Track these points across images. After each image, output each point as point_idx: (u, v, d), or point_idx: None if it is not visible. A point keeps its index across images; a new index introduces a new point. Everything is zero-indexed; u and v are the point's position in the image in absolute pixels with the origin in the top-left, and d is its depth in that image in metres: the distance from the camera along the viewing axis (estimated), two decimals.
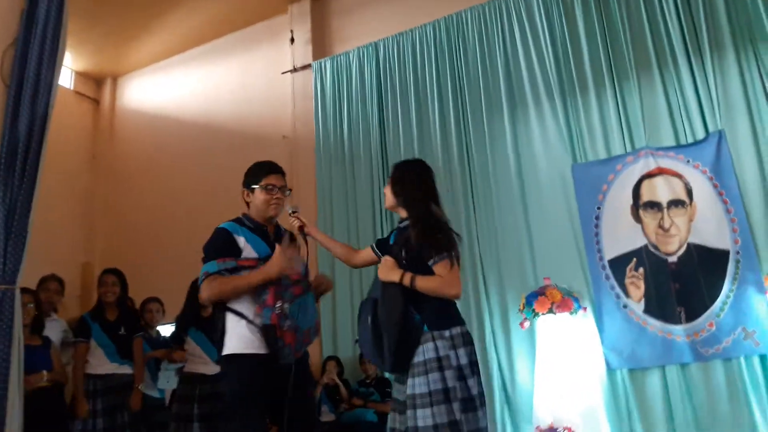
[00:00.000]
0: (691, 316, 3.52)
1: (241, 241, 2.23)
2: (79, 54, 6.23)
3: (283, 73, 5.56)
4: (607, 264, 3.82)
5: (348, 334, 4.51)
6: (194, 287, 3.97)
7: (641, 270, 3.73)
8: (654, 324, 3.62)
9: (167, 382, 3.96)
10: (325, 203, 4.90)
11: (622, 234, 3.83)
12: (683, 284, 3.60)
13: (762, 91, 3.61)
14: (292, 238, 2.37)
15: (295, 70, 5.50)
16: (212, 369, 3.78)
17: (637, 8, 4.06)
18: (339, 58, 5.25)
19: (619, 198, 3.88)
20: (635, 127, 3.93)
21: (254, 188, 2.33)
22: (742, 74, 3.67)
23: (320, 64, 5.33)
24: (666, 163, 3.80)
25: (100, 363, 3.61)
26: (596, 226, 3.91)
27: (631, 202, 3.86)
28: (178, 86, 6.37)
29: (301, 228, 2.39)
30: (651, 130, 3.88)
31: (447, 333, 1.96)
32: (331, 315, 4.60)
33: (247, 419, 2.10)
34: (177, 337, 3.89)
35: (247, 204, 2.37)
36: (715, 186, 3.63)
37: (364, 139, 4.90)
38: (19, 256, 2.51)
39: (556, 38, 4.28)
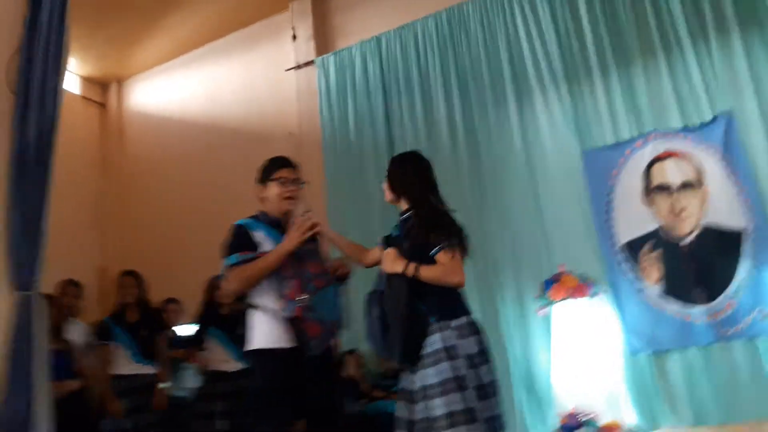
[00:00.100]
0: (709, 298, 3.50)
1: (258, 235, 2.26)
2: (83, 59, 6.26)
3: (286, 70, 5.56)
4: (622, 248, 3.81)
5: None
6: (211, 286, 4.01)
7: (656, 253, 3.71)
8: (672, 306, 3.60)
9: (190, 380, 4.01)
10: (333, 199, 4.91)
11: (634, 218, 3.81)
12: (699, 266, 3.58)
13: None
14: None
15: (298, 66, 5.49)
16: (233, 366, 3.82)
17: None
18: (342, 54, 5.24)
19: (629, 182, 3.87)
20: (642, 111, 3.90)
21: (268, 183, 2.35)
22: (747, 54, 3.63)
23: (323, 60, 5.33)
24: (675, 145, 3.77)
25: (124, 364, 3.66)
26: (608, 211, 3.90)
27: (642, 186, 3.84)
28: (183, 87, 6.39)
29: (313, 227, 2.39)
30: (658, 113, 3.85)
31: (453, 323, 1.97)
32: (350, 308, 4.61)
33: (272, 414, 2.12)
34: (197, 337, 3.92)
35: (263, 201, 2.38)
36: (725, 166, 3.60)
37: (371, 134, 4.89)
38: (37, 262, 2.53)
39: (559, 24, 4.25)
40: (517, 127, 4.28)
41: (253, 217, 2.35)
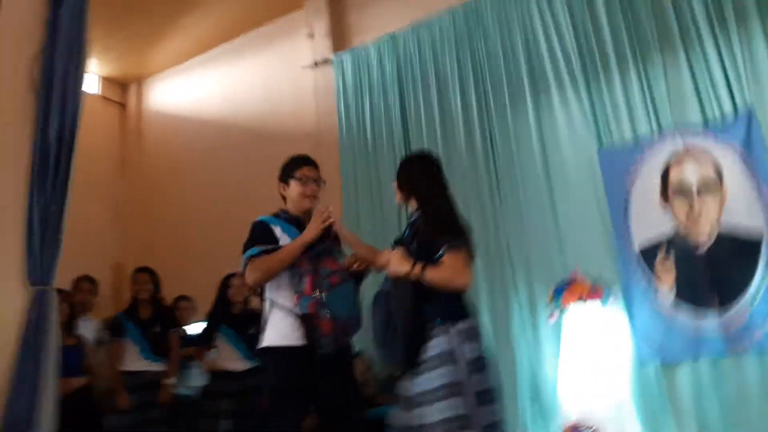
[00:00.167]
0: (724, 305, 3.38)
1: (278, 230, 2.29)
2: (103, 60, 6.36)
3: (303, 68, 5.57)
4: (636, 252, 3.72)
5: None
6: (224, 285, 4.04)
7: (672, 258, 3.61)
8: (684, 316, 3.49)
9: (197, 379, 4.04)
10: (350, 197, 4.91)
11: (651, 220, 3.71)
12: (715, 271, 3.46)
13: None
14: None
15: (315, 65, 5.50)
16: (242, 365, 3.84)
17: None
18: (358, 51, 5.23)
19: (647, 183, 3.77)
20: (661, 107, 3.82)
21: (289, 181, 2.39)
22: None
23: (340, 57, 5.33)
24: (694, 141, 3.67)
25: (133, 360, 3.70)
26: (625, 212, 3.79)
27: (659, 187, 3.73)
28: (201, 87, 6.45)
29: (329, 226, 2.38)
30: (677, 108, 3.76)
31: (456, 326, 1.94)
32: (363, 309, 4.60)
33: (283, 412, 2.13)
34: (207, 335, 3.95)
35: (284, 198, 2.43)
36: (746, 164, 3.49)
37: (387, 132, 4.88)
38: (54, 258, 2.58)
39: (576, 18, 4.18)
40: (533, 124, 4.23)
41: (273, 214, 2.38)
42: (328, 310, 2.10)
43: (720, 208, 3.55)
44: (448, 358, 1.89)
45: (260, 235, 2.27)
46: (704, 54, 3.72)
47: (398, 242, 2.22)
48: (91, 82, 6.55)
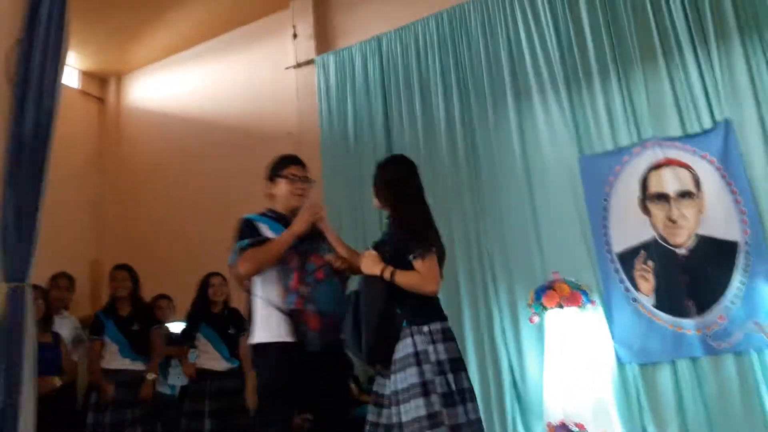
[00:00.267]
0: (702, 309, 3.48)
1: (264, 228, 2.29)
2: (83, 53, 6.25)
3: (286, 68, 5.56)
4: (615, 257, 3.79)
5: None
6: (204, 283, 4.00)
7: (650, 263, 3.69)
8: (664, 318, 3.58)
9: (177, 378, 4.00)
10: (331, 199, 4.90)
11: (630, 226, 3.79)
12: (693, 277, 3.56)
13: None
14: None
15: (298, 65, 5.49)
16: (223, 365, 3.82)
17: None
18: (342, 53, 5.23)
19: (626, 190, 3.85)
20: (641, 117, 3.89)
21: (276, 179, 2.39)
22: (748, 62, 3.62)
23: (323, 59, 5.32)
24: (673, 153, 3.76)
25: (113, 358, 3.66)
26: (604, 218, 3.88)
27: (638, 194, 3.82)
28: (183, 84, 6.39)
29: (316, 222, 2.38)
30: (657, 119, 3.84)
31: (426, 328, 1.97)
32: None
33: (273, 409, 2.13)
34: (187, 334, 3.92)
35: (272, 197, 2.42)
36: (723, 176, 3.59)
37: (369, 133, 4.89)
38: (29, 254, 2.53)
39: (560, 28, 4.24)
40: (515, 129, 4.27)
41: (260, 213, 2.39)
42: (313, 304, 2.11)
43: (697, 216, 3.63)
44: (416, 359, 1.92)
45: (248, 231, 2.28)
46: (684, 67, 3.81)
47: (376, 244, 2.23)
48: (70, 76, 6.44)
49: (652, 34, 3.93)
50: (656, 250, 3.70)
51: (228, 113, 5.94)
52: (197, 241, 5.56)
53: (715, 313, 3.45)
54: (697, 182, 3.68)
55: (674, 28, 3.87)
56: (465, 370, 2.01)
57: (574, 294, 3.63)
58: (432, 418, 1.84)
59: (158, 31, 6.07)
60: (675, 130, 3.79)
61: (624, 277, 3.74)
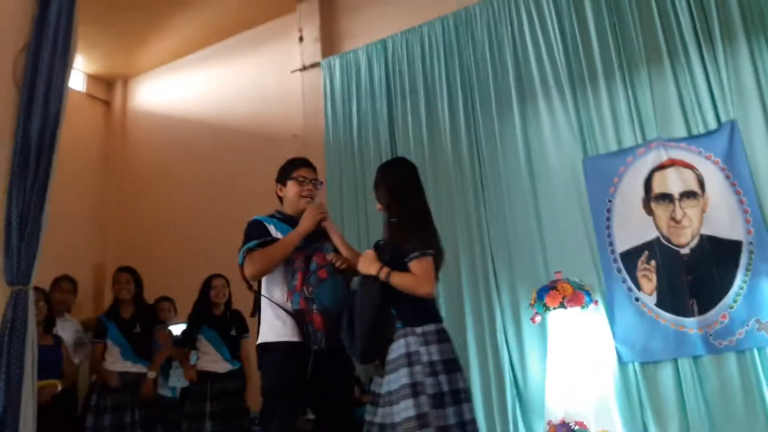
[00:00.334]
0: (704, 309, 3.48)
1: (272, 229, 2.32)
2: (89, 57, 6.30)
3: (292, 71, 5.57)
4: (618, 257, 3.79)
5: None
6: (206, 285, 4.01)
7: (653, 262, 3.69)
8: (666, 317, 3.58)
9: (178, 380, 4.00)
10: (335, 201, 4.91)
11: (633, 226, 3.79)
12: (696, 276, 3.56)
13: None
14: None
15: (304, 68, 5.51)
16: (224, 367, 3.82)
17: None
18: (348, 56, 5.25)
19: (630, 190, 3.85)
20: (646, 119, 3.88)
21: (286, 182, 2.42)
22: (754, 63, 3.61)
23: (329, 62, 5.34)
24: (677, 154, 3.75)
25: (115, 360, 3.66)
26: (608, 219, 3.88)
27: (642, 194, 3.82)
28: (188, 87, 6.42)
29: (321, 221, 2.39)
30: (662, 121, 3.83)
31: (419, 329, 1.98)
32: None
33: (277, 409, 2.14)
34: (189, 336, 3.92)
35: (281, 199, 2.46)
36: (727, 177, 3.58)
37: (374, 137, 4.90)
38: (33, 257, 2.54)
39: (565, 30, 4.24)
40: (519, 130, 4.28)
41: (269, 215, 2.42)
42: (316, 304, 2.12)
43: (701, 216, 3.62)
44: (408, 360, 1.94)
45: (257, 233, 2.31)
46: (689, 68, 3.79)
47: (377, 245, 2.24)
48: (76, 80, 6.48)
49: (657, 35, 3.93)
50: (659, 250, 3.69)
51: (234, 116, 5.96)
52: (200, 243, 5.58)
53: (718, 312, 3.44)
54: (701, 183, 3.67)
55: (680, 29, 3.86)
56: (460, 370, 2.01)
57: (577, 294, 3.62)
58: (420, 418, 1.85)
59: (164, 35, 6.11)
60: (680, 131, 3.78)
61: (626, 276, 3.74)
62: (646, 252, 3.72)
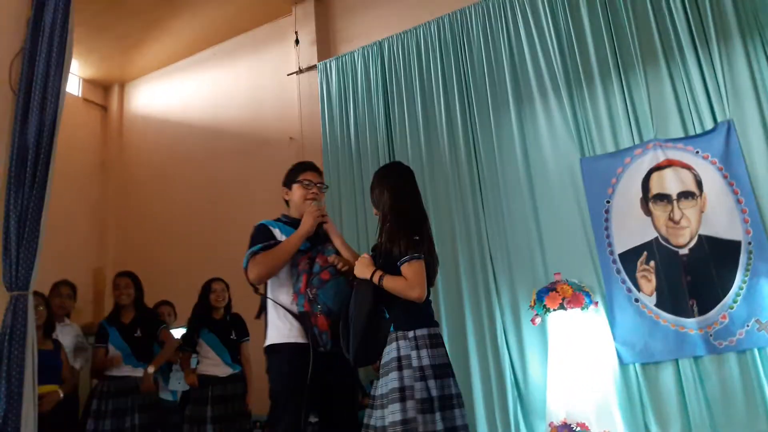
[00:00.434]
0: (704, 309, 3.48)
1: (277, 232, 2.33)
2: (86, 61, 6.29)
3: (288, 74, 5.58)
4: (617, 258, 3.79)
5: None
6: (206, 289, 4.00)
7: (652, 263, 3.70)
8: (666, 317, 3.58)
9: (178, 383, 3.99)
10: (333, 204, 4.91)
11: (632, 227, 3.79)
12: (695, 276, 3.56)
13: None
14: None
15: (300, 71, 5.51)
16: (224, 371, 3.82)
17: None
18: (344, 58, 5.25)
19: (628, 191, 3.85)
20: (643, 119, 3.89)
21: (292, 185, 2.45)
22: (749, 63, 3.62)
23: (325, 64, 5.34)
24: (675, 154, 3.76)
25: (116, 365, 3.64)
26: (606, 219, 3.88)
27: (640, 195, 3.82)
28: (185, 91, 6.41)
29: (321, 223, 2.40)
30: (659, 121, 3.84)
31: (411, 333, 1.99)
32: None
33: (284, 409, 2.14)
34: (189, 340, 3.91)
35: (287, 203, 2.49)
36: (725, 176, 3.59)
37: (371, 139, 4.90)
38: (31, 262, 2.53)
39: (560, 31, 4.25)
40: (517, 132, 4.28)
41: (275, 219, 2.44)
42: (320, 305, 2.14)
43: (699, 216, 3.63)
44: (398, 364, 1.95)
45: (261, 237, 2.32)
46: (685, 68, 3.81)
47: (374, 249, 2.25)
48: (73, 84, 6.47)
49: (653, 35, 3.94)
50: (658, 251, 3.70)
51: (230, 119, 5.96)
52: (199, 247, 5.57)
53: (718, 312, 3.45)
54: (698, 183, 3.68)
55: (675, 28, 3.88)
56: (452, 375, 2.01)
57: (577, 295, 3.63)
58: (405, 423, 1.85)
59: (160, 39, 6.10)
60: (676, 131, 3.79)
61: (626, 277, 3.75)
62: (645, 253, 3.73)
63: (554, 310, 3.64)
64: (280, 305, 2.24)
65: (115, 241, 6.33)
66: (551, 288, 3.71)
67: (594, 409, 3.41)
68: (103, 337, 3.68)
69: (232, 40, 6.13)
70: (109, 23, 5.67)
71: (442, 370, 1.97)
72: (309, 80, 5.46)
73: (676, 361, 3.52)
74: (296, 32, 5.59)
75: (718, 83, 3.68)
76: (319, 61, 5.42)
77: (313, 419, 2.55)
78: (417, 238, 2.06)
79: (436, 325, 2.08)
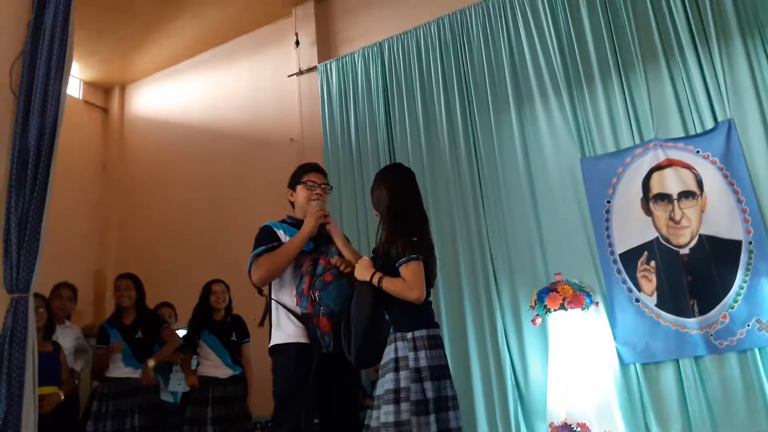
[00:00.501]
0: (704, 309, 3.48)
1: (282, 234, 2.34)
2: (86, 63, 6.30)
3: (289, 76, 5.58)
4: (618, 258, 3.79)
5: None
6: (206, 291, 4.00)
7: (653, 263, 3.70)
8: (667, 317, 3.58)
9: (179, 384, 3.99)
10: (333, 205, 4.90)
11: (632, 227, 3.79)
12: (696, 276, 3.56)
13: None
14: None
15: (300, 72, 5.52)
16: (225, 372, 3.82)
17: None
18: (344, 60, 5.26)
19: (629, 191, 3.85)
20: (643, 119, 3.89)
21: (296, 187, 2.47)
22: (750, 62, 3.62)
23: (326, 66, 5.35)
24: (675, 154, 3.76)
25: (117, 366, 3.65)
26: (607, 219, 3.88)
27: (641, 194, 3.82)
28: (185, 93, 6.42)
29: (324, 224, 2.40)
30: (659, 121, 3.84)
31: (410, 335, 1.99)
32: None
33: (288, 410, 2.15)
34: (190, 341, 3.91)
35: (292, 204, 2.50)
36: (725, 176, 3.59)
37: (372, 140, 4.90)
38: (32, 265, 2.53)
39: (560, 31, 4.25)
40: (517, 132, 4.28)
41: (280, 221, 2.45)
42: (323, 307, 2.14)
43: (700, 216, 3.63)
44: (395, 365, 1.96)
45: (266, 238, 2.34)
46: (685, 67, 3.81)
47: (375, 250, 2.25)
48: (73, 87, 6.48)
49: (653, 35, 3.94)
50: (659, 251, 3.70)
51: (231, 121, 5.96)
52: (200, 249, 5.57)
53: (718, 312, 3.45)
54: (699, 182, 3.68)
55: (675, 27, 3.88)
56: (449, 377, 2.01)
57: (578, 295, 3.63)
58: (398, 425, 1.86)
59: (161, 41, 6.11)
60: (677, 131, 3.79)
61: (626, 277, 3.75)
62: (646, 252, 3.73)
63: (555, 310, 3.64)
64: (285, 307, 2.25)
65: (116, 243, 6.33)
66: (552, 288, 3.71)
67: (594, 410, 3.41)
68: (105, 338, 3.68)
69: (232, 41, 6.13)
70: (110, 26, 5.68)
71: (440, 372, 1.97)
72: (309, 81, 5.47)
73: (677, 361, 3.52)
74: (296, 33, 5.60)
75: (718, 82, 3.68)
76: (319, 62, 5.42)
77: (315, 420, 2.54)
78: (415, 239, 2.06)
79: (436, 326, 2.08)
